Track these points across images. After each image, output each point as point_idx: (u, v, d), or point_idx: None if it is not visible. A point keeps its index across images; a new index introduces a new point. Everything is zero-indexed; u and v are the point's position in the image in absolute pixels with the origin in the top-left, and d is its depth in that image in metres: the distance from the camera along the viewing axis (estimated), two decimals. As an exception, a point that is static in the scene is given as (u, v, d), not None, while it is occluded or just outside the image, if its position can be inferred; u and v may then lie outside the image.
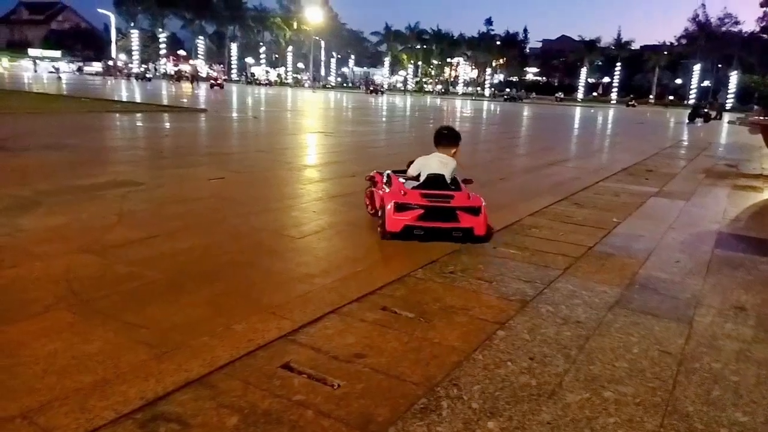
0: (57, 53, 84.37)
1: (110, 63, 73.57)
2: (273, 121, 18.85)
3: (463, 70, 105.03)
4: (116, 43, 79.66)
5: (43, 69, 75.41)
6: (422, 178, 4.44)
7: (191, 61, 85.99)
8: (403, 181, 4.55)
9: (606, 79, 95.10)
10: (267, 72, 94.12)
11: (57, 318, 2.73)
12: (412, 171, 4.62)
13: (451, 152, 4.59)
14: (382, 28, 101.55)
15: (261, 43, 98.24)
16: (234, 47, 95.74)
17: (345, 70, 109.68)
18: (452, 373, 2.33)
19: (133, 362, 2.34)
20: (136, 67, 73.75)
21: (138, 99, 25.33)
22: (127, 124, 14.28)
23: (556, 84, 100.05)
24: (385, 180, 4.60)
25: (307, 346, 2.55)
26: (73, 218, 4.57)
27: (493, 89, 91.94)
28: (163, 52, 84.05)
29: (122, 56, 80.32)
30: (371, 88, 67.51)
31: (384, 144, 13.51)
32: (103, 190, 5.69)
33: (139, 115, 16.40)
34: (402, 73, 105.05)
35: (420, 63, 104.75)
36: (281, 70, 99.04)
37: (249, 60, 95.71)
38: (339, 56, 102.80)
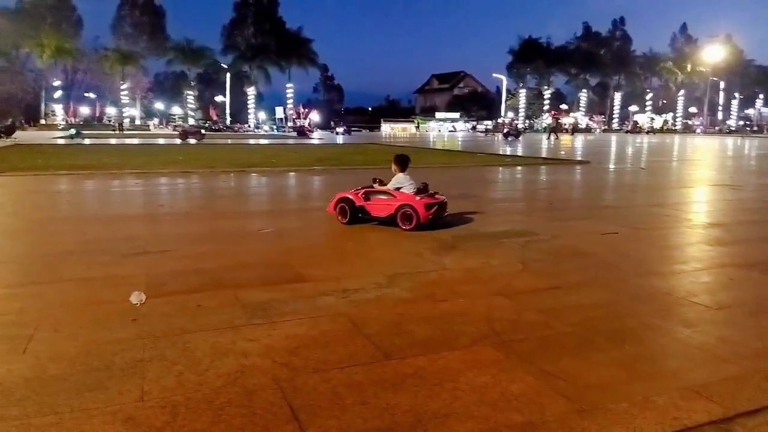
0: (456, 115, 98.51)
1: (499, 121, 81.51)
2: (663, 172, 17.46)
3: None
4: (505, 103, 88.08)
5: (444, 129, 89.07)
6: (407, 189, 6.69)
7: (571, 114, 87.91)
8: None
9: None
10: (651, 119, 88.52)
11: (483, 353, 3.08)
12: (393, 185, 6.79)
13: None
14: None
15: (647, 90, 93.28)
16: (617, 96, 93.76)
17: (750, 111, 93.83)
18: None
19: (555, 412, 2.44)
20: (521, 123, 79.82)
21: (521, 153, 27.20)
22: (514, 176, 15.47)
23: None
24: (362, 193, 6.82)
25: (751, 442, 2.18)
26: (484, 262, 5.14)
27: None
28: (546, 107, 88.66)
29: (510, 114, 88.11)
30: None
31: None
32: (505, 238, 6.24)
33: (524, 168, 17.56)
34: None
35: None
36: (668, 115, 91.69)
37: (632, 108, 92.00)
38: (741, 97, 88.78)
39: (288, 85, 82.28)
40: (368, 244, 5.93)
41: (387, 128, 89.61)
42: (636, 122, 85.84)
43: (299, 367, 2.86)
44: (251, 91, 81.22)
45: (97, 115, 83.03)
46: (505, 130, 55.51)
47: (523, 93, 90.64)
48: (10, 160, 16.65)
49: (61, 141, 33.07)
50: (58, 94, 71.20)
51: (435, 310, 3.79)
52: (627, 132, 76.70)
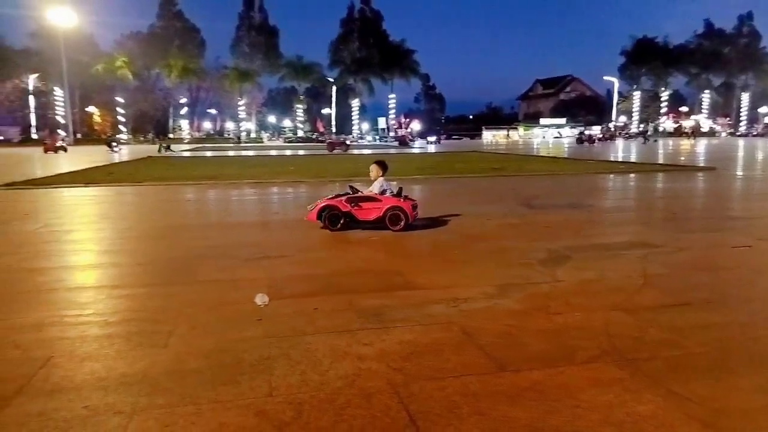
0: (562, 120, 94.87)
1: (609, 125, 77.47)
2: (803, 179, 15.64)
3: None
4: (617, 106, 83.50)
5: (549, 135, 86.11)
6: (390, 192, 7.26)
7: (692, 117, 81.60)
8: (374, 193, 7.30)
9: None
10: (787, 121, 79.91)
11: (604, 371, 2.95)
12: (374, 190, 7.29)
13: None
14: None
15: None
16: (745, 97, 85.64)
17: None
18: None
19: (689, 437, 2.28)
20: (634, 128, 75.40)
21: (634, 159, 25.62)
22: (629, 184, 14.60)
23: None
24: (346, 199, 7.09)
25: None
26: (600, 275, 4.91)
27: None
28: (663, 110, 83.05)
29: (622, 118, 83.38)
30: None
31: None
32: (622, 250, 5.91)
33: (640, 175, 16.51)
34: None
35: None
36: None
37: (762, 109, 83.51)
38: None
39: (390, 96, 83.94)
40: (475, 254, 5.88)
41: (488, 135, 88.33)
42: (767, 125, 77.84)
43: (413, 374, 2.91)
44: (355, 103, 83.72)
45: (218, 129, 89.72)
46: (577, 136, 53.29)
47: (637, 95, 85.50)
48: (146, 172, 18.45)
49: (186, 153, 36.08)
50: (184, 110, 77.83)
51: (549, 323, 3.69)
52: (756, 135, 69.68)
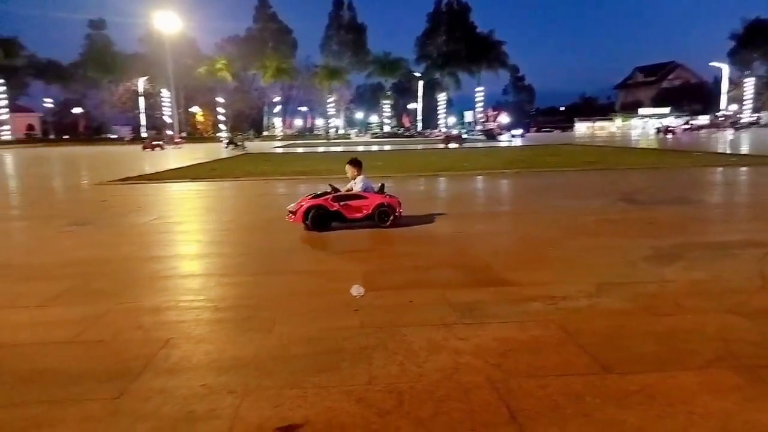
0: (665, 110, 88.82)
1: (718, 115, 71.74)
2: None
3: None
4: (727, 94, 76.99)
5: (649, 126, 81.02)
6: (372, 189, 7.21)
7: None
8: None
9: None
10: None
11: (721, 376, 2.75)
12: (357, 188, 7.20)
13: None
14: None
15: None
16: None
17: None
18: None
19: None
20: (746, 117, 69.36)
21: (747, 151, 23.52)
22: (741, 177, 13.44)
23: None
24: (332, 198, 6.90)
25: None
26: (713, 275, 4.58)
27: None
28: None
29: (732, 107, 76.83)
30: None
31: None
32: (737, 249, 5.47)
33: (754, 168, 15.13)
34: None
35: None
36: None
37: None
38: None
39: (478, 89, 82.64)
40: (572, 250, 5.67)
41: (582, 127, 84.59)
42: None
43: (512, 370, 2.87)
44: (442, 97, 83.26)
45: (308, 126, 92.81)
46: (656, 126, 52.33)
47: (750, 82, 78.38)
48: (244, 167, 19.46)
49: (279, 150, 37.59)
50: (277, 108, 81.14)
51: (658, 324, 3.49)
52: None
